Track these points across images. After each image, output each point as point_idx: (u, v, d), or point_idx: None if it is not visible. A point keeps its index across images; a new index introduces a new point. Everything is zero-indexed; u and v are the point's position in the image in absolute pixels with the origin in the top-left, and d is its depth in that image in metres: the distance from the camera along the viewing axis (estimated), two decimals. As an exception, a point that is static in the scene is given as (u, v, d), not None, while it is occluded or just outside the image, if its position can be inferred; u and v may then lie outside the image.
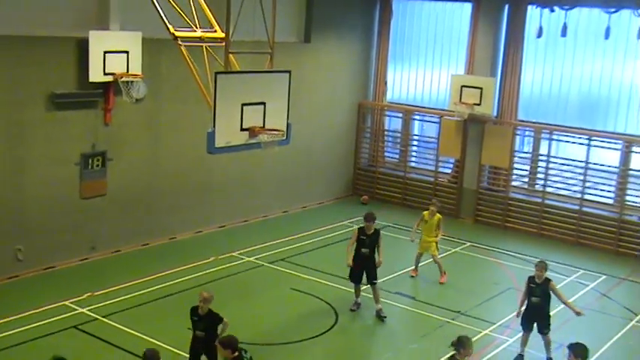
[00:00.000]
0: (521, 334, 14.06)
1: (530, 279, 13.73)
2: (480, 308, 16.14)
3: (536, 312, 13.72)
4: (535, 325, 13.81)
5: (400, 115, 25.28)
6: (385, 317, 15.50)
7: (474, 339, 14.24)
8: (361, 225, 16.02)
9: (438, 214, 17.91)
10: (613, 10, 19.62)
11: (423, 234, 17.98)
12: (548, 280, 13.69)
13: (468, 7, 23.16)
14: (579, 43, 21.66)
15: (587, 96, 21.96)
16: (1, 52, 15.65)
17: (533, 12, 21.64)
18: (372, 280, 15.60)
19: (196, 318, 11.74)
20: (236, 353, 9.97)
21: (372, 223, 15.63)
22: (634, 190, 21.03)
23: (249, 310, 15.49)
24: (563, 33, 20.44)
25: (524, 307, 13.79)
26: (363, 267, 15.59)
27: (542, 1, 20.92)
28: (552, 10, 20.73)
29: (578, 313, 13.84)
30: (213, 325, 11.57)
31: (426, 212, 17.91)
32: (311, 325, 14.93)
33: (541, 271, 13.62)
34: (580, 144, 21.62)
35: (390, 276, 17.70)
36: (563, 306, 14.35)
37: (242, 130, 12.83)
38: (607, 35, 19.92)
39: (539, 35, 20.82)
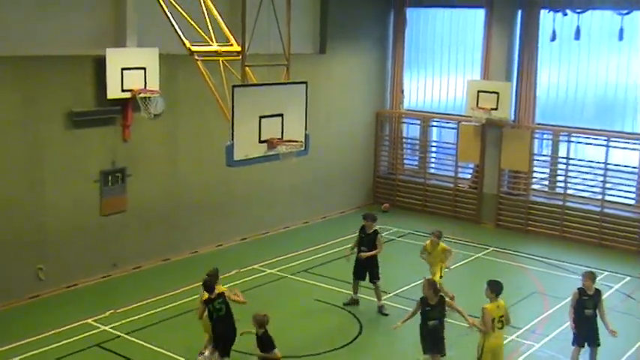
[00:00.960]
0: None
1: (581, 291, 13.04)
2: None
3: (590, 325, 13.04)
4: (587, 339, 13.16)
5: (418, 122, 25.27)
6: (387, 314, 15.93)
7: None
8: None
9: (442, 244, 16.27)
10: (625, 11, 19.60)
11: (429, 265, 16.46)
12: (598, 291, 13.14)
13: (481, 13, 23.17)
14: (593, 45, 21.62)
15: (603, 97, 21.88)
16: (19, 72, 15.79)
17: (546, 16, 21.63)
18: (373, 279, 16.14)
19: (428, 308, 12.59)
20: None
21: (371, 222, 16.14)
22: (655, 189, 20.93)
23: (273, 322, 15.35)
24: (577, 36, 20.44)
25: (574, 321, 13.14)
26: (364, 266, 16.12)
27: (555, 5, 20.91)
28: (565, 14, 20.72)
29: (612, 332, 12.99)
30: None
31: (427, 243, 16.41)
32: (336, 336, 14.90)
33: (590, 282, 13.00)
34: (599, 145, 21.55)
35: (413, 284, 17.60)
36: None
37: (260, 142, 12.87)
38: (621, 36, 19.91)
39: (553, 39, 20.79)
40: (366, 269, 16.14)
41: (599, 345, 13.11)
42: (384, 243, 17.07)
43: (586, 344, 13.17)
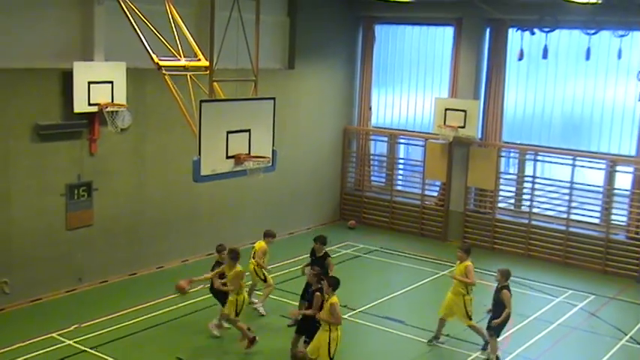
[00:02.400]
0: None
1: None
2: (470, 331, 16.08)
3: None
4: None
5: (385, 139, 25.37)
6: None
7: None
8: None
9: (468, 262, 15.02)
10: (593, 31, 19.75)
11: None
12: (501, 289, 14.43)
13: (450, 31, 23.34)
14: (561, 65, 21.83)
15: (570, 117, 22.09)
16: (-15, 85, 15.66)
17: (514, 35, 21.78)
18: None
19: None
20: None
21: (321, 245, 15.84)
22: (619, 209, 21.14)
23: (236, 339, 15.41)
24: (545, 55, 20.56)
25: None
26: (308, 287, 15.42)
27: (523, 24, 21.06)
28: (533, 33, 20.83)
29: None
30: None
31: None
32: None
33: (502, 277, 14.43)
34: (565, 164, 21.74)
35: (379, 300, 17.66)
36: (554, 326, 14.41)
37: (227, 157, 12.89)
38: (588, 56, 20.03)
39: (521, 58, 20.91)
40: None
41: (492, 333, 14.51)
42: (336, 264, 16.78)
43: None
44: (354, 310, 16.89)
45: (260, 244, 16.74)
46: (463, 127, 22.21)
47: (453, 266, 20.43)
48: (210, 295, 15.63)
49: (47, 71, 16.61)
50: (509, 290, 14.25)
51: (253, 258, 16.69)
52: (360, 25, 25.21)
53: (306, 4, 22.78)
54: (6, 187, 16.18)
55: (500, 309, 14.17)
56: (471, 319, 15.00)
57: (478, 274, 20.09)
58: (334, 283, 13.12)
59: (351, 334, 15.61)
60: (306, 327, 13.62)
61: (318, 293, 13.32)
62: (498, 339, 14.50)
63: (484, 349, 14.89)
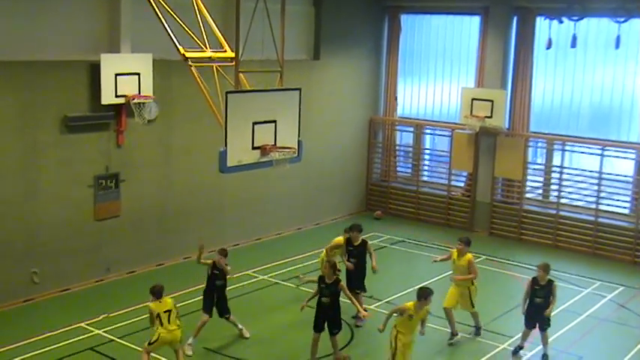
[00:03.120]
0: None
1: (534, 280, 14.25)
2: (497, 322, 16.06)
3: (538, 312, 14.15)
4: (537, 323, 14.30)
5: (411, 129, 25.30)
6: (360, 326, 15.69)
7: (491, 353, 14.35)
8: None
9: (469, 254, 15.16)
10: (622, 19, 19.51)
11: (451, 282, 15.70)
12: (551, 282, 14.18)
13: (476, 20, 23.21)
14: (589, 53, 21.62)
15: (598, 106, 21.90)
16: (14, 77, 15.80)
17: (542, 23, 21.58)
18: (355, 288, 15.39)
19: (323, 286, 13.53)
20: None
21: (357, 233, 15.71)
22: (649, 198, 20.95)
23: (264, 328, 15.46)
24: (573, 44, 20.32)
25: (526, 306, 14.37)
26: (349, 277, 15.61)
27: (551, 13, 20.86)
28: (561, 22, 20.60)
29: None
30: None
31: (454, 251, 15.44)
32: (327, 342, 14.85)
33: (544, 273, 14.08)
34: (593, 154, 21.56)
35: (405, 292, 17.60)
36: (583, 317, 14.33)
37: (253, 148, 12.90)
38: (617, 45, 19.76)
39: (549, 47, 20.67)
40: (352, 280, 15.57)
41: (547, 329, 14.29)
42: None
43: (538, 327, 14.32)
44: (380, 300, 16.87)
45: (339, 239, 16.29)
46: (490, 117, 22.08)
47: (479, 257, 20.52)
48: (235, 285, 15.57)
49: (75, 63, 16.72)
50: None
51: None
52: (385, 14, 25.11)
53: (331, -6, 22.76)
54: (35, 178, 16.33)
55: (547, 302, 14.10)
56: (474, 307, 15.21)
57: (504, 265, 20.14)
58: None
59: (376, 323, 15.59)
60: (331, 321, 13.67)
61: (342, 283, 13.63)
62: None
63: (477, 334, 15.42)
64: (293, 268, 19.15)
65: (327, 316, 13.67)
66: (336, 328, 13.77)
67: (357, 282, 15.59)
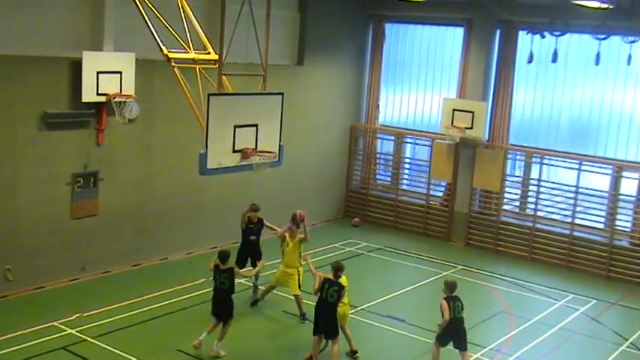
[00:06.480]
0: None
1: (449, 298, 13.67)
2: (471, 332, 16.03)
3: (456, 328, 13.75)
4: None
5: (392, 137, 25.37)
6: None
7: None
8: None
9: (301, 235, 16.56)
10: (603, 36, 19.68)
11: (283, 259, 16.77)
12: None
13: (460, 32, 23.34)
14: (570, 69, 21.81)
15: (577, 121, 22.08)
16: (-6, 72, 15.69)
17: (524, 37, 21.72)
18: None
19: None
20: None
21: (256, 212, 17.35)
22: (624, 214, 21.10)
23: (239, 332, 15.42)
24: (554, 59, 20.48)
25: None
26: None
27: (533, 27, 21.00)
28: (543, 36, 20.76)
29: None
30: None
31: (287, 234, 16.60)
32: (302, 347, 14.86)
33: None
34: (571, 168, 21.70)
35: (381, 299, 17.68)
36: (555, 329, 14.35)
37: (234, 151, 12.89)
38: (597, 61, 19.95)
39: (530, 61, 20.81)
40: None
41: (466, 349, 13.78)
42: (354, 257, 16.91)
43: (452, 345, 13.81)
44: (357, 308, 16.90)
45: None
46: (470, 128, 22.20)
47: (456, 267, 20.61)
48: (211, 289, 15.53)
49: (56, 60, 16.63)
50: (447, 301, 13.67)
51: None
52: (370, 23, 25.20)
53: (316, 0, 22.79)
54: (12, 175, 16.21)
55: None
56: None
57: (480, 276, 20.21)
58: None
59: (353, 331, 15.64)
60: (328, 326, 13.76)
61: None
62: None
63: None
64: (270, 272, 19.07)
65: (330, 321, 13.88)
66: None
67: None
